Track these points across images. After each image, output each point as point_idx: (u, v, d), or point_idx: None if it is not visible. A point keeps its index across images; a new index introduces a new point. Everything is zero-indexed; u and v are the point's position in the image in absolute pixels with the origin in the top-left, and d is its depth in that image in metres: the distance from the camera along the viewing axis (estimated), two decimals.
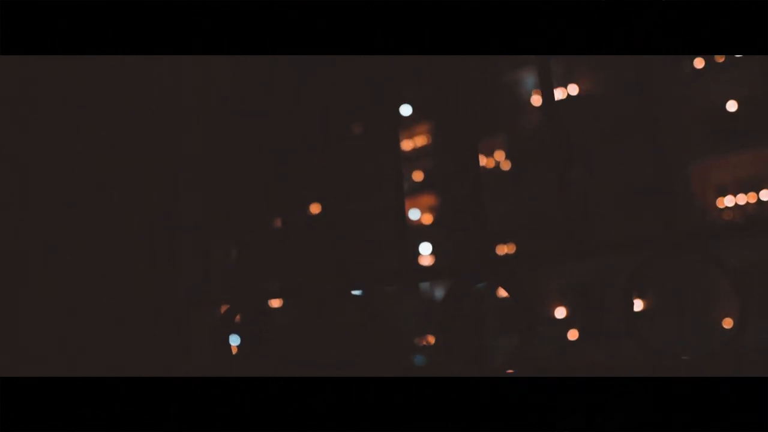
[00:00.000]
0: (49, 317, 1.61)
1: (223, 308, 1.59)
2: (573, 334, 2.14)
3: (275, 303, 1.83)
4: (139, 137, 1.75)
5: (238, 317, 1.56)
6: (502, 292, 2.14)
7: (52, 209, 1.67)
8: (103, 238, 1.68)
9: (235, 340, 1.63)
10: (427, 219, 2.82)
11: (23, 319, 1.61)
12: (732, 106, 1.96)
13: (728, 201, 2.02)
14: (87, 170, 1.70)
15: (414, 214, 2.76)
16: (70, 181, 1.68)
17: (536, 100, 2.41)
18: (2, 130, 1.67)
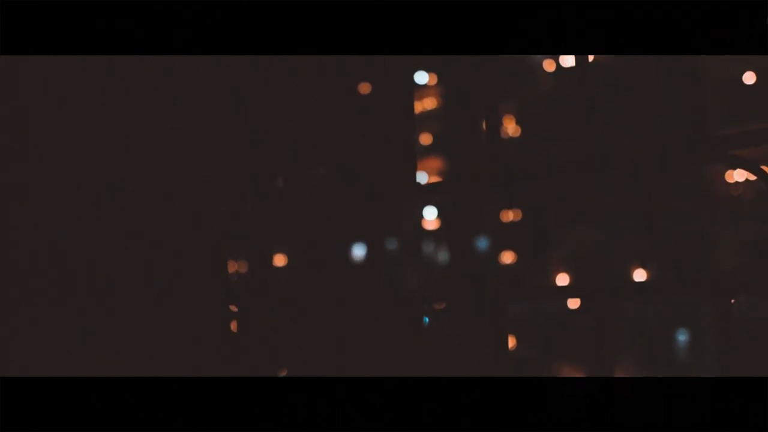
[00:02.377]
0: (49, 317, 1.61)
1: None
2: (574, 303, 2.12)
3: (279, 261, 1.83)
4: (140, 136, 1.75)
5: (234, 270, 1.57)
6: (507, 258, 2.13)
7: (52, 209, 1.67)
8: (103, 238, 1.68)
9: None
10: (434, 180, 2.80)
11: (23, 319, 1.61)
12: (750, 78, 1.91)
13: (737, 175, 1.98)
14: (86, 169, 1.70)
15: (421, 178, 2.71)
16: (69, 180, 1.68)
17: (548, 65, 2.36)
18: (2, 130, 1.67)
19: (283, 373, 1.57)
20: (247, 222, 1.66)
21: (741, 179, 1.95)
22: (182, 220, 1.76)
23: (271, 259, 1.63)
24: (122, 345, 1.64)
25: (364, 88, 1.75)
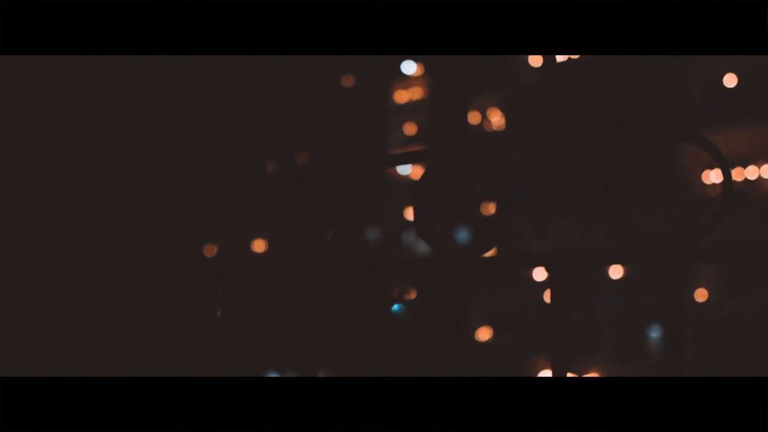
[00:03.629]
0: (49, 317, 1.61)
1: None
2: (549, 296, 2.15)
3: (259, 246, 1.83)
4: (141, 137, 1.75)
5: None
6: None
7: (51, 209, 1.67)
8: (102, 238, 1.68)
9: None
10: (417, 173, 2.75)
11: (23, 319, 1.61)
12: (731, 80, 1.93)
13: (714, 176, 2.00)
14: (86, 170, 1.70)
15: (404, 168, 2.64)
16: (69, 179, 1.68)
17: (535, 60, 2.33)
18: (2, 130, 1.67)
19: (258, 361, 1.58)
20: (231, 211, 1.66)
21: (718, 180, 1.97)
22: (182, 219, 1.76)
23: (251, 246, 1.64)
24: (121, 345, 1.64)
25: (348, 81, 1.77)
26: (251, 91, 1.75)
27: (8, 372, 1.41)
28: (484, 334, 2.07)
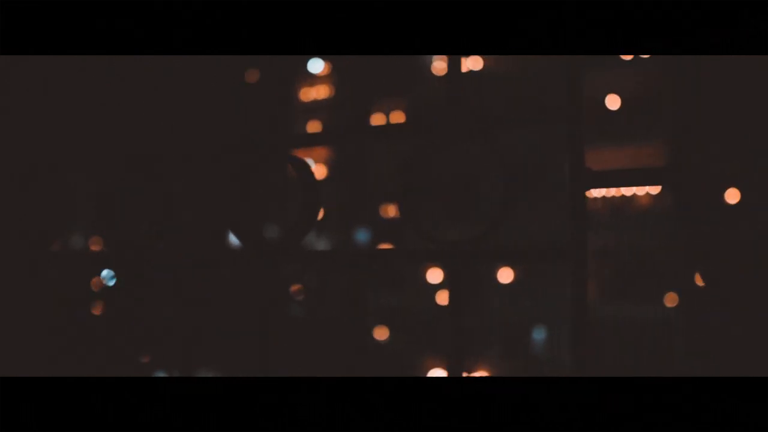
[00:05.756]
0: (49, 317, 1.61)
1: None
2: (443, 299, 2.18)
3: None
4: (139, 135, 1.75)
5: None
6: (383, 245, 2.17)
7: (52, 208, 1.67)
8: (104, 236, 1.68)
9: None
10: (321, 172, 2.77)
11: (23, 319, 1.61)
12: (614, 101, 1.99)
13: (596, 191, 2.07)
14: (86, 169, 1.70)
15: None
16: (68, 179, 1.68)
17: (438, 68, 2.36)
18: (2, 129, 1.67)
19: (146, 360, 1.58)
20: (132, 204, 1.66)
21: (599, 195, 2.05)
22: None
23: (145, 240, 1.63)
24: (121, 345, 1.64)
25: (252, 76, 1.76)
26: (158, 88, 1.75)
27: (8, 372, 1.41)
28: (380, 333, 2.09)
